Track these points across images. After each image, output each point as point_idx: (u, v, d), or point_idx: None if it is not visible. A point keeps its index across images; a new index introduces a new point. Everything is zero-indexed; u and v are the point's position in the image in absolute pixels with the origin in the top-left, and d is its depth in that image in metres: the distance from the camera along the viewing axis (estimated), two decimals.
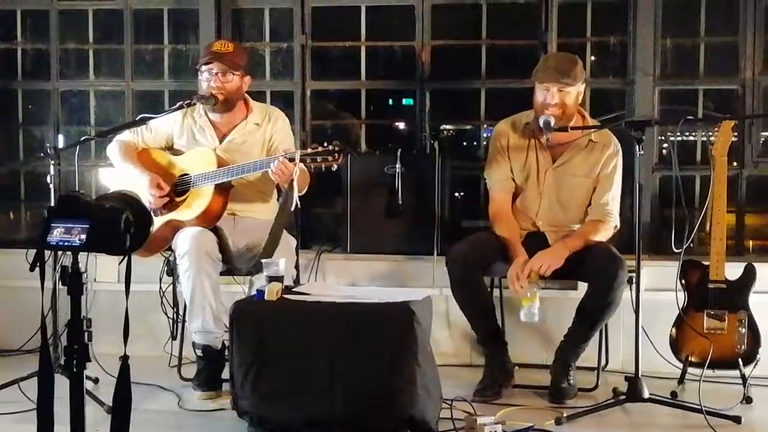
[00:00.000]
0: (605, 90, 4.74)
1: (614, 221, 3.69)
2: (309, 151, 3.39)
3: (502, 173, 3.78)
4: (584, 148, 3.70)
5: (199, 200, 3.64)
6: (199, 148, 3.79)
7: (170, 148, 3.90)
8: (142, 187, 3.66)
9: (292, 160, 3.38)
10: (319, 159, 3.36)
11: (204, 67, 3.73)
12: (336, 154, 3.36)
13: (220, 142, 3.81)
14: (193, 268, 3.47)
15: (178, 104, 3.67)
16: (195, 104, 3.71)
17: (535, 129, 3.68)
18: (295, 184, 3.38)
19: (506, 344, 3.74)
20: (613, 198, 3.70)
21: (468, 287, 3.61)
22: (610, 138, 3.72)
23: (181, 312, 3.87)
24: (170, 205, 3.71)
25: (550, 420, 3.20)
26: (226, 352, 3.47)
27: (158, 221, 3.65)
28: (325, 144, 3.38)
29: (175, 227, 3.65)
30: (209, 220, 3.64)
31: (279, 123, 3.88)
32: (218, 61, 3.70)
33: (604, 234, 3.66)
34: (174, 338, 3.94)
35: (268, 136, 3.84)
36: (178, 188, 3.75)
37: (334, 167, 3.40)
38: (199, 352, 3.61)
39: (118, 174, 3.87)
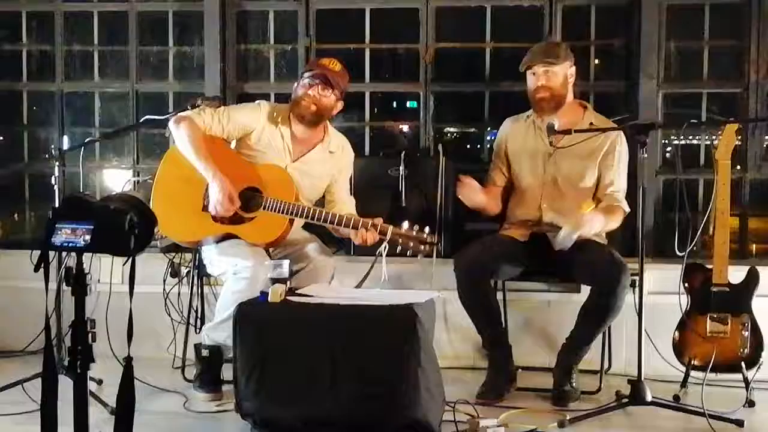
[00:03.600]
0: (609, 93, 4.73)
1: (625, 206, 3.73)
2: (402, 231, 3.42)
3: (495, 172, 3.94)
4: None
5: (271, 226, 3.53)
6: (277, 167, 3.65)
7: (232, 140, 3.77)
8: (213, 186, 3.52)
9: (381, 230, 3.42)
10: (411, 243, 3.39)
11: (307, 74, 3.72)
12: (426, 246, 3.39)
13: (296, 158, 3.74)
14: (247, 292, 3.35)
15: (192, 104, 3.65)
16: (201, 105, 3.69)
17: (536, 120, 3.76)
18: (384, 260, 3.41)
19: (510, 347, 3.74)
20: (619, 183, 3.73)
21: (476, 291, 3.62)
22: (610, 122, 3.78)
23: (185, 314, 3.88)
24: (233, 216, 3.57)
25: (552, 423, 3.21)
26: (227, 354, 3.50)
27: (213, 226, 3.55)
28: (417, 227, 3.41)
29: (227, 235, 3.57)
30: (270, 246, 3.62)
31: (349, 159, 3.91)
32: (324, 72, 3.68)
33: (618, 217, 3.70)
34: (198, 332, 3.90)
35: (336, 169, 3.83)
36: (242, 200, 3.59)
37: (419, 257, 3.44)
38: (205, 353, 3.58)
39: (183, 151, 3.60)
